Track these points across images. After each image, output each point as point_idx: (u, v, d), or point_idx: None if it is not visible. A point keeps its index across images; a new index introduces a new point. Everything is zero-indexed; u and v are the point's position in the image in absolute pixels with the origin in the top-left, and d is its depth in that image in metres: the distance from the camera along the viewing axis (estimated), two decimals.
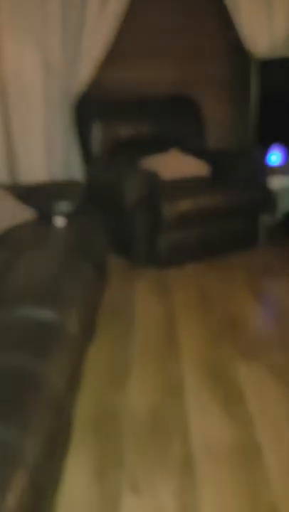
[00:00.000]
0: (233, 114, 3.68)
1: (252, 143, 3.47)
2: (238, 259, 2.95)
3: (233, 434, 1.46)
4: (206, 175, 3.13)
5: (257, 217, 3.17)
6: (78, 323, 1.32)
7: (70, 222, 2.10)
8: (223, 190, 2.87)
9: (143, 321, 2.22)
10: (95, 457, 1.39)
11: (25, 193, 2.29)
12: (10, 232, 2.00)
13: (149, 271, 2.81)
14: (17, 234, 2.00)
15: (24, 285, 1.47)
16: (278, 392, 1.66)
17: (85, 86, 3.32)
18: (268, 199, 3.11)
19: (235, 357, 1.89)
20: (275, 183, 3.24)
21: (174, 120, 3.39)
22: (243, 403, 1.61)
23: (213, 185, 2.94)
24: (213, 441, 1.44)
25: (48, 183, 2.69)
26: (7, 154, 3.18)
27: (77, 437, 1.17)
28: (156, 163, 2.97)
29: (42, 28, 3.09)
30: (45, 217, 2.14)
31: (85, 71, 3.27)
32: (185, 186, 2.85)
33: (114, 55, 3.31)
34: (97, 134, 3.14)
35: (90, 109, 3.21)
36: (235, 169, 3.08)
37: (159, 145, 3.23)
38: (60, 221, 2.08)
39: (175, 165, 3.08)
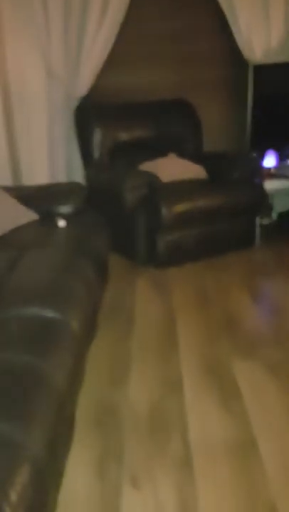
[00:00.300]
0: (229, 119, 3.69)
1: (248, 146, 3.47)
2: (235, 259, 2.95)
3: (231, 430, 1.46)
4: (204, 177, 3.13)
5: (253, 218, 3.17)
6: (80, 322, 1.32)
7: (72, 223, 2.10)
8: (220, 192, 2.87)
9: (143, 320, 2.22)
10: (96, 452, 1.39)
11: (28, 195, 2.28)
12: (13, 233, 2.00)
13: (148, 270, 2.81)
14: (20, 234, 1.99)
15: (27, 285, 1.46)
16: (274, 388, 1.66)
17: (85, 91, 3.32)
18: (263, 200, 3.11)
19: (232, 354, 1.89)
20: (270, 185, 3.24)
21: (172, 124, 3.39)
22: (240, 399, 1.60)
23: (210, 187, 2.94)
24: (211, 436, 1.44)
25: (50, 185, 2.69)
26: (10, 158, 3.18)
27: (78, 433, 1.17)
28: (154, 167, 2.97)
29: (44, 35, 3.09)
30: (47, 219, 2.14)
31: (85, 76, 3.27)
32: (183, 188, 2.85)
33: (114, 61, 3.31)
34: (97, 137, 3.14)
35: (90, 113, 3.20)
36: (232, 172, 3.08)
37: (157, 149, 3.23)
38: (61, 222, 2.07)
39: (173, 168, 3.08)
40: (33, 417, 0.89)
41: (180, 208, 2.69)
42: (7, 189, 2.29)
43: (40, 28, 3.07)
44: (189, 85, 3.53)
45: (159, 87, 3.51)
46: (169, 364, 1.84)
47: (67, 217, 2.15)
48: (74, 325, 1.27)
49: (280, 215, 3.52)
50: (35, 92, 3.23)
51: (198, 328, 2.11)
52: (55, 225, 2.06)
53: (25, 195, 2.27)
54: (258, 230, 3.25)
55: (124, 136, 3.23)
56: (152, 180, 2.72)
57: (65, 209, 2.23)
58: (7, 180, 3.13)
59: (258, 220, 3.23)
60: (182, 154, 3.27)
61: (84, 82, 3.29)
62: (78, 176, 3.40)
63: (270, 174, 3.28)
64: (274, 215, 3.57)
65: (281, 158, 3.32)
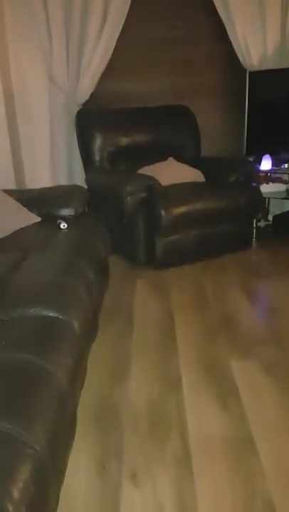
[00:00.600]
0: (226, 124, 3.69)
1: (244, 151, 3.47)
2: (232, 260, 2.95)
3: (229, 428, 1.46)
4: (202, 181, 3.13)
5: (250, 220, 3.17)
6: (81, 321, 1.31)
7: (73, 225, 2.10)
8: (217, 195, 2.87)
9: (142, 319, 2.22)
10: (96, 450, 1.38)
11: (31, 198, 2.28)
12: (16, 235, 2.00)
13: (148, 271, 2.81)
14: (22, 236, 1.99)
15: (29, 286, 1.46)
16: (271, 387, 1.65)
17: (86, 97, 3.33)
18: (260, 203, 3.11)
19: (230, 353, 1.89)
20: (266, 188, 3.25)
21: (171, 129, 3.39)
22: (238, 398, 1.60)
23: (208, 190, 2.94)
24: (209, 434, 1.44)
25: (51, 189, 2.68)
26: (14, 162, 3.18)
27: (78, 431, 1.16)
28: (154, 171, 2.97)
29: (46, 44, 3.10)
30: (49, 221, 2.14)
31: (86, 83, 3.28)
32: (182, 191, 2.85)
33: (114, 68, 3.32)
34: (97, 142, 3.14)
35: (91, 119, 3.20)
36: (229, 175, 3.07)
37: (156, 154, 3.23)
38: (63, 224, 2.07)
39: (172, 172, 3.08)
40: (35, 414, 0.89)
41: (178, 210, 2.69)
42: (10, 192, 2.29)
43: (42, 37, 3.08)
44: (188, 91, 3.54)
45: (158, 93, 3.52)
46: (168, 363, 1.84)
47: (69, 219, 2.15)
48: (75, 325, 1.27)
49: (276, 218, 3.53)
50: (38, 99, 3.24)
51: (197, 328, 2.11)
52: (57, 227, 2.06)
53: (28, 198, 2.27)
54: (254, 232, 3.25)
55: (123, 141, 3.23)
56: (151, 183, 2.71)
57: (67, 212, 2.22)
58: (10, 184, 3.13)
59: (254, 223, 3.23)
60: (181, 158, 3.27)
61: (85, 89, 3.29)
62: (79, 179, 3.40)
63: (266, 178, 3.28)
64: (270, 218, 3.58)
65: (277, 163, 3.32)
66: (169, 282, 2.65)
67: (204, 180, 3.14)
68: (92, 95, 3.33)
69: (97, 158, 3.16)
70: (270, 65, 3.30)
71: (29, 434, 0.83)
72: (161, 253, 2.78)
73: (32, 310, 1.27)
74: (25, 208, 2.19)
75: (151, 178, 2.75)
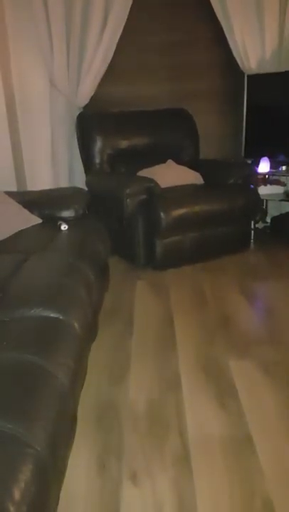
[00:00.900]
0: (225, 127, 3.70)
1: (243, 153, 3.48)
2: (230, 262, 2.95)
3: (227, 427, 1.45)
4: (201, 183, 3.13)
5: (248, 222, 3.17)
6: (81, 322, 1.31)
7: (74, 227, 2.09)
8: (216, 197, 2.87)
9: (141, 320, 2.21)
10: (96, 449, 1.38)
11: (32, 200, 2.28)
12: (17, 237, 1.99)
13: (147, 272, 2.80)
14: (24, 238, 1.99)
15: (30, 287, 1.45)
16: (268, 386, 1.65)
17: (86, 101, 3.33)
18: (258, 205, 3.11)
19: (228, 353, 1.88)
20: (264, 190, 3.25)
21: (170, 132, 3.39)
22: (236, 397, 1.60)
23: (207, 192, 2.94)
24: (208, 433, 1.43)
25: (52, 191, 2.68)
26: (15, 164, 3.18)
27: (78, 431, 1.15)
28: (153, 173, 2.97)
29: (47, 48, 3.10)
30: (50, 223, 2.14)
31: (86, 87, 3.28)
32: (181, 194, 2.85)
33: (114, 71, 3.32)
34: (97, 145, 3.14)
35: (91, 122, 3.20)
36: (228, 178, 3.07)
37: (155, 156, 3.23)
38: (64, 226, 2.07)
39: (171, 174, 3.08)
40: (36, 414, 0.88)
41: (178, 212, 2.69)
42: (11, 194, 2.28)
43: (43, 41, 3.08)
44: (187, 95, 3.54)
45: (157, 97, 3.52)
46: (167, 363, 1.83)
47: (69, 221, 2.15)
48: (76, 325, 1.27)
49: (274, 219, 3.53)
50: (39, 102, 3.24)
51: (196, 328, 2.11)
52: (58, 229, 2.06)
53: (29, 200, 2.26)
54: (252, 234, 3.25)
55: (123, 143, 3.23)
56: (151, 186, 2.71)
57: (67, 213, 2.22)
58: (12, 186, 3.13)
59: (252, 224, 3.23)
60: (180, 161, 3.27)
61: (85, 93, 3.30)
62: (79, 181, 3.40)
63: (264, 180, 3.28)
64: (268, 220, 3.58)
65: (275, 165, 3.32)
66: (168, 283, 2.65)
67: (203, 182, 3.14)
68: (92, 98, 3.33)
69: (97, 160, 3.16)
70: (268, 69, 3.30)
71: (30, 434, 0.83)
72: (160, 254, 2.78)
73: (33, 311, 1.26)
74: (26, 210, 2.19)
75: (150, 180, 2.75)
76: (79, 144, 3.26)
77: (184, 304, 2.37)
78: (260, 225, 3.53)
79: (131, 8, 3.11)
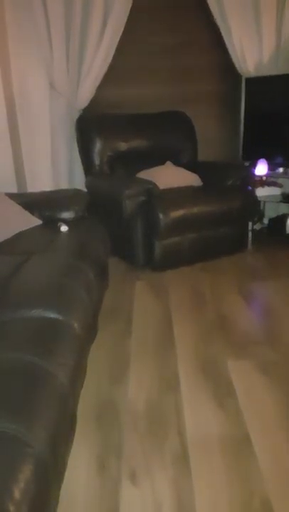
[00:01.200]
0: (223, 129, 3.70)
1: (240, 155, 3.48)
2: (228, 263, 2.95)
3: (225, 426, 1.45)
4: (199, 185, 3.13)
5: (246, 223, 3.17)
6: (81, 322, 1.31)
7: (73, 228, 2.09)
8: (214, 199, 2.87)
9: (141, 320, 2.21)
10: (96, 449, 1.38)
11: (32, 202, 2.28)
12: (17, 238, 1.99)
13: (146, 273, 2.80)
14: (24, 239, 1.98)
15: (31, 287, 1.45)
16: (266, 386, 1.65)
17: (86, 103, 3.33)
18: (255, 207, 3.11)
19: (226, 353, 1.88)
20: (262, 192, 3.25)
21: (169, 135, 3.39)
22: (234, 397, 1.59)
23: (205, 194, 2.94)
24: (207, 433, 1.43)
25: (52, 192, 2.68)
26: (15, 166, 3.18)
27: (78, 430, 1.15)
28: (152, 175, 2.97)
29: (47, 50, 3.10)
30: (50, 224, 2.13)
31: (86, 89, 3.28)
32: (179, 195, 2.85)
33: (114, 74, 3.32)
34: (97, 147, 3.14)
35: (91, 124, 3.20)
36: (226, 180, 3.08)
37: (154, 158, 3.23)
38: (64, 227, 2.07)
39: (170, 176, 3.08)
40: (36, 414, 0.88)
41: (176, 213, 2.69)
42: (12, 195, 2.28)
43: (43, 43, 3.08)
44: (185, 97, 3.54)
45: (156, 100, 3.52)
46: (166, 363, 1.83)
47: (69, 222, 2.14)
48: (75, 326, 1.26)
49: (271, 221, 3.53)
50: (39, 104, 3.24)
51: (194, 329, 2.10)
52: (58, 230, 2.05)
53: (29, 202, 2.26)
54: (250, 235, 3.25)
55: (123, 145, 3.23)
56: (150, 187, 2.71)
57: (67, 215, 2.22)
58: (12, 187, 3.13)
59: (250, 226, 3.23)
60: (178, 163, 3.27)
61: (85, 95, 3.29)
62: (79, 183, 3.40)
63: (261, 182, 3.28)
64: (265, 221, 3.58)
65: (272, 167, 3.32)
66: (167, 284, 2.64)
67: (201, 184, 3.14)
68: (92, 101, 3.33)
69: (97, 162, 3.16)
70: (266, 72, 3.31)
71: (30, 433, 0.82)
72: (159, 255, 2.78)
73: (33, 311, 1.26)
74: (26, 211, 2.18)
75: (149, 182, 2.75)
76: (79, 146, 3.26)
77: (182, 305, 2.37)
78: (257, 226, 3.53)
79: (130, 11, 3.11)
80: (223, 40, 3.28)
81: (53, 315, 1.25)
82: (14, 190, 3.13)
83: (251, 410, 1.52)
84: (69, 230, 2.06)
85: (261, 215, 3.54)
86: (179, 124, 3.43)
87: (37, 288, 1.44)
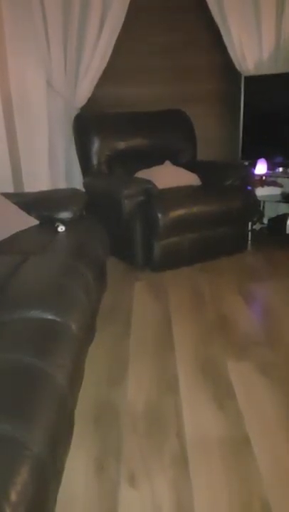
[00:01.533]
0: (222, 128, 3.70)
1: (240, 155, 3.48)
2: (228, 263, 2.95)
3: (225, 428, 1.45)
4: (198, 185, 3.13)
5: (245, 223, 3.17)
6: (79, 323, 1.31)
7: (71, 228, 2.09)
8: (213, 199, 2.87)
9: (140, 321, 2.21)
10: (94, 451, 1.38)
11: (29, 202, 2.27)
12: (14, 238, 1.99)
13: (145, 274, 2.80)
14: (21, 240, 1.98)
15: (29, 288, 1.45)
16: (266, 387, 1.65)
17: (84, 101, 3.33)
18: (255, 207, 3.11)
19: (226, 354, 1.88)
20: (261, 192, 3.25)
21: (168, 134, 3.39)
22: (234, 398, 1.60)
23: (204, 194, 2.94)
24: (206, 434, 1.43)
25: (50, 192, 2.68)
26: (12, 165, 3.17)
27: (76, 432, 1.15)
28: (151, 174, 2.97)
29: (45, 49, 3.10)
30: (47, 224, 2.13)
31: (84, 88, 3.28)
32: (178, 195, 2.85)
33: (112, 73, 3.33)
34: (95, 146, 3.14)
35: (89, 123, 3.20)
36: (225, 179, 3.08)
37: (153, 158, 3.23)
38: (61, 227, 2.07)
39: (169, 175, 3.08)
40: (34, 416, 0.88)
41: (175, 213, 2.69)
42: (9, 195, 2.28)
43: (41, 42, 3.08)
44: (184, 96, 3.55)
45: (154, 98, 3.52)
46: (165, 364, 1.83)
47: (67, 222, 2.14)
48: (74, 327, 1.26)
49: (271, 221, 3.53)
50: (36, 103, 3.24)
51: (193, 330, 2.10)
52: (55, 230, 2.06)
53: (26, 202, 2.26)
54: (250, 235, 3.26)
55: (121, 145, 3.23)
56: (149, 187, 2.71)
57: (65, 215, 2.22)
58: (9, 187, 3.13)
59: (250, 225, 3.24)
60: (177, 162, 3.28)
61: (83, 94, 3.30)
62: (77, 183, 3.40)
63: (261, 181, 3.29)
64: (265, 221, 3.58)
65: (271, 166, 3.33)
66: (166, 284, 2.65)
67: (200, 183, 3.15)
68: (90, 100, 3.34)
69: (95, 161, 3.16)
70: (265, 70, 3.31)
71: (28, 435, 0.82)
72: (158, 255, 2.78)
73: (31, 312, 1.26)
74: (23, 211, 2.18)
75: (148, 181, 2.75)
76: (76, 145, 3.26)
77: (182, 305, 2.37)
78: (257, 226, 3.54)
79: (129, 10, 3.12)
80: (223, 39, 3.29)
81: (50, 316, 1.26)
82: (11, 189, 3.13)
83: (251, 411, 1.52)
84: (67, 230, 2.06)
85: (261, 215, 3.54)
86: (178, 123, 3.44)
87: (35, 289, 1.45)
